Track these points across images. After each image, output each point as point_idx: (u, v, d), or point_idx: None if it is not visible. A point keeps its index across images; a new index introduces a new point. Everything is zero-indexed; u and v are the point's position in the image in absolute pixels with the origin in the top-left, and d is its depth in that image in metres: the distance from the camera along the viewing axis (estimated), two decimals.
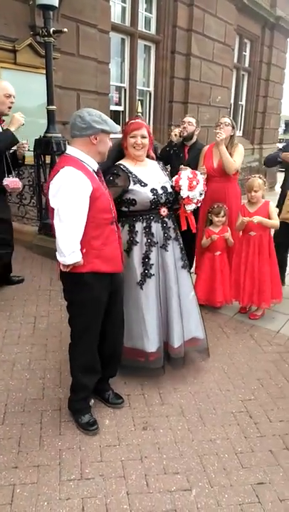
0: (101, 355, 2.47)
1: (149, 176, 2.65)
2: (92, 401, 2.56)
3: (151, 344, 2.69)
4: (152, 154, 2.78)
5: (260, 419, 2.54)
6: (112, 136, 2.26)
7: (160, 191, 2.63)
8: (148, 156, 2.73)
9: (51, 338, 3.30)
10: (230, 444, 2.35)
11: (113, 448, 2.29)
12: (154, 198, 2.60)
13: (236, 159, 3.78)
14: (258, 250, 3.60)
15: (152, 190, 2.60)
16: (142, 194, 2.58)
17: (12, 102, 3.63)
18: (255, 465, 2.22)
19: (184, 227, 2.87)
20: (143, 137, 2.60)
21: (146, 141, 2.62)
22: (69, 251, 2.06)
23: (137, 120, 2.67)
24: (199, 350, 3.01)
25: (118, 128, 2.26)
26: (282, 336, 3.50)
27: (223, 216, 3.70)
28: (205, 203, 3.81)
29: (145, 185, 2.59)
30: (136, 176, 2.60)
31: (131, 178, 2.59)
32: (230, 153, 3.76)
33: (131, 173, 2.60)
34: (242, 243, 3.69)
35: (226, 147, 3.77)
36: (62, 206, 2.06)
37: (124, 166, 2.62)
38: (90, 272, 2.18)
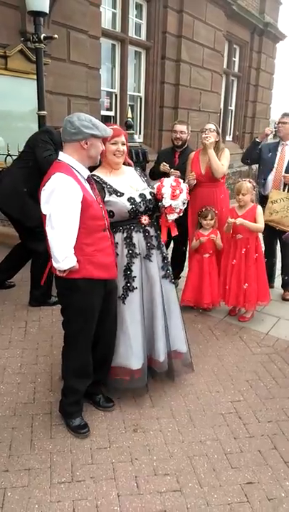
0: (93, 359, 2.49)
1: (124, 185, 2.54)
2: None
3: (137, 361, 2.58)
4: (129, 161, 2.69)
5: (249, 420, 2.58)
6: None
7: (138, 199, 2.51)
8: (124, 163, 2.63)
9: (42, 342, 3.31)
10: (219, 444, 2.38)
11: (104, 450, 2.31)
12: (132, 208, 2.48)
13: (224, 163, 3.83)
14: (245, 253, 3.65)
15: (130, 199, 2.48)
16: (118, 204, 2.46)
17: None
18: (244, 465, 2.25)
19: (165, 239, 2.73)
20: (122, 144, 2.51)
21: (125, 148, 2.53)
22: (62, 256, 2.08)
23: (115, 126, 2.55)
24: (183, 364, 2.88)
25: (110, 132, 2.27)
26: (271, 338, 3.55)
27: (211, 219, 3.75)
28: (194, 207, 3.88)
29: (121, 194, 2.48)
30: (111, 186, 2.49)
31: (106, 189, 2.47)
32: (218, 158, 3.81)
33: (105, 183, 2.49)
34: (230, 245, 3.75)
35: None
36: (54, 212, 2.07)
37: (98, 177, 2.50)
38: (83, 278, 2.19)
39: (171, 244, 4.45)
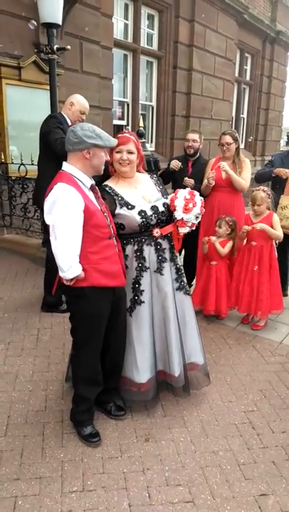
0: (103, 367, 2.48)
1: (137, 196, 2.47)
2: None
3: (141, 375, 2.54)
4: (142, 171, 2.63)
5: (263, 431, 2.53)
6: None
7: (149, 212, 2.44)
8: (138, 171, 2.57)
9: (54, 349, 3.32)
10: (232, 455, 2.34)
11: (115, 460, 2.29)
12: (142, 222, 2.41)
13: (246, 176, 3.81)
14: (259, 260, 3.62)
15: (140, 212, 2.41)
16: (129, 218, 2.40)
17: (83, 119, 3.74)
18: (258, 476, 2.21)
19: (178, 250, 2.65)
20: (130, 153, 2.42)
21: (133, 156, 2.44)
22: (67, 266, 2.08)
23: (124, 134, 2.48)
24: (199, 376, 2.82)
25: (114, 142, 2.24)
26: (285, 347, 3.50)
27: (219, 228, 3.73)
28: (210, 212, 3.86)
29: (132, 207, 2.41)
30: (122, 198, 2.42)
31: (117, 201, 2.41)
32: (239, 169, 3.79)
33: (117, 195, 2.43)
34: (244, 252, 3.73)
35: (233, 161, 3.82)
36: (56, 222, 2.09)
37: (110, 188, 2.45)
38: (90, 286, 2.19)
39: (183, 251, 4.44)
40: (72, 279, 2.13)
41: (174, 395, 2.77)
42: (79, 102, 3.72)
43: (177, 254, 2.68)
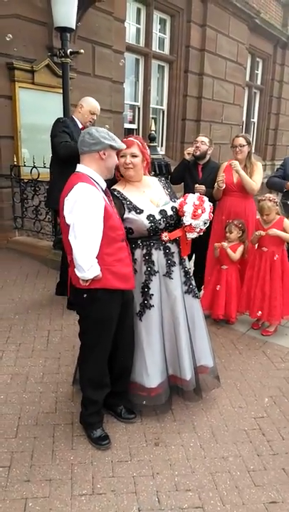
0: (112, 370, 2.49)
1: (145, 200, 2.47)
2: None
3: (151, 380, 2.53)
4: (147, 174, 2.62)
5: (273, 437, 2.52)
6: None
7: (158, 216, 2.43)
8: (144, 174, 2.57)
9: (64, 351, 3.33)
10: (242, 461, 2.33)
11: (125, 463, 2.29)
12: (151, 226, 2.42)
13: (257, 179, 3.81)
14: (270, 266, 3.61)
15: (149, 216, 2.41)
16: (137, 222, 2.40)
17: (94, 119, 3.86)
18: (268, 483, 2.19)
19: (185, 254, 2.62)
20: (133, 156, 2.42)
21: (137, 160, 2.43)
22: (88, 265, 2.09)
23: (129, 138, 2.48)
24: (209, 379, 2.82)
25: (124, 146, 2.33)
26: None
27: (230, 233, 3.73)
28: (221, 216, 3.87)
29: (141, 211, 2.41)
30: (130, 203, 2.43)
31: (126, 206, 2.41)
32: (250, 173, 3.79)
33: (125, 199, 2.43)
34: (255, 257, 3.72)
35: (245, 165, 3.82)
36: (78, 221, 2.09)
37: (119, 192, 2.45)
38: (102, 288, 2.20)
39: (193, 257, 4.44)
40: (88, 280, 2.14)
41: (184, 399, 2.77)
42: (88, 103, 3.78)
43: (185, 257, 2.67)
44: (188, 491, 2.13)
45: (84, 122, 3.83)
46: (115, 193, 2.45)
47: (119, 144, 2.25)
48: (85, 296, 2.24)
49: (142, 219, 2.41)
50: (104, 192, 2.27)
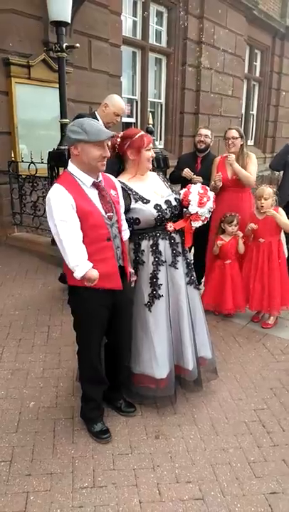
0: (108, 367, 2.50)
1: (150, 191, 2.51)
2: None
3: (161, 370, 2.54)
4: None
5: (273, 429, 2.53)
6: None
7: (164, 206, 2.48)
8: None
9: (64, 347, 3.34)
10: (242, 453, 2.34)
11: (125, 456, 2.30)
12: (158, 215, 2.45)
13: (251, 170, 3.79)
14: (268, 257, 3.61)
15: (156, 206, 2.45)
16: (145, 212, 2.43)
17: (117, 121, 3.72)
18: (268, 474, 2.20)
19: (189, 244, 2.67)
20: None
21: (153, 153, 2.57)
22: (72, 265, 2.07)
23: (145, 133, 2.57)
24: (208, 371, 2.84)
25: (104, 135, 2.10)
26: None
27: (236, 225, 3.72)
28: (219, 211, 3.84)
29: (147, 201, 2.45)
30: (136, 193, 2.46)
31: (132, 196, 2.44)
32: (244, 165, 3.77)
33: (131, 190, 2.46)
34: (252, 250, 3.72)
35: (238, 157, 3.80)
36: (52, 225, 2.09)
37: (123, 183, 2.46)
38: (83, 286, 2.14)
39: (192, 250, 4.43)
40: (85, 278, 2.10)
41: (185, 390, 2.77)
42: (114, 104, 3.57)
43: (187, 248, 2.69)
44: (188, 482, 2.15)
45: (106, 122, 3.60)
46: (120, 184, 2.44)
47: (91, 136, 2.05)
48: (69, 290, 2.28)
49: (150, 208, 2.44)
50: (97, 187, 2.19)
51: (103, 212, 2.18)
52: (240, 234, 3.73)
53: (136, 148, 2.48)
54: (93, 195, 2.19)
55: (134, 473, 2.19)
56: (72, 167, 2.18)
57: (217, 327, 3.74)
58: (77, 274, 2.08)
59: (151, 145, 2.51)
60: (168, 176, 4.31)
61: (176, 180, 4.06)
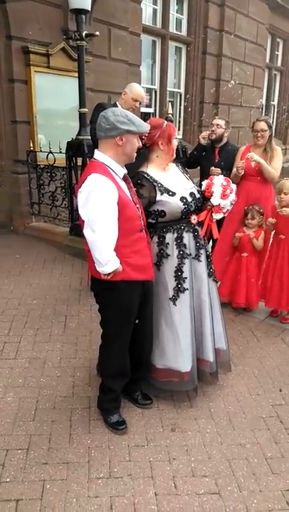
0: (131, 358, 2.47)
1: (174, 183, 2.45)
2: None
3: (186, 363, 2.52)
4: None
5: None
6: None
7: (189, 199, 2.44)
8: None
9: (81, 337, 3.35)
10: (259, 449, 2.32)
11: (141, 448, 2.29)
12: (185, 208, 2.40)
13: (276, 165, 3.70)
14: (288, 254, 3.52)
15: (182, 198, 2.40)
16: (171, 205, 2.38)
17: (136, 106, 3.79)
18: (286, 471, 2.17)
19: (216, 236, 2.69)
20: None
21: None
22: (105, 260, 2.04)
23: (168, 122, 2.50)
24: (221, 362, 2.80)
25: (146, 127, 2.15)
26: None
27: (252, 219, 3.65)
28: (238, 201, 3.77)
29: (173, 194, 2.39)
30: (162, 185, 2.38)
31: (157, 188, 2.37)
32: (270, 158, 3.68)
33: (156, 181, 2.38)
34: (273, 246, 3.64)
35: (265, 149, 3.72)
36: (93, 216, 2.01)
37: (148, 175, 2.40)
38: (122, 280, 2.15)
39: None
40: (109, 274, 2.09)
41: (202, 383, 2.75)
42: (132, 90, 3.67)
43: (206, 240, 2.67)
44: (204, 476, 2.13)
45: (126, 109, 3.61)
46: (145, 175, 2.40)
47: (138, 127, 2.07)
48: (104, 286, 2.21)
49: (176, 201, 2.39)
50: (125, 179, 2.19)
51: (137, 204, 2.19)
52: (252, 234, 3.65)
53: (167, 137, 2.40)
54: (124, 186, 2.16)
55: (150, 466, 2.18)
56: (104, 157, 2.11)
57: (235, 321, 3.70)
58: (107, 269, 2.06)
59: (176, 133, 2.47)
60: (187, 161, 4.30)
61: (195, 159, 4.11)
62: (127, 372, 2.45)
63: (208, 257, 2.64)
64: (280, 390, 2.75)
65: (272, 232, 3.66)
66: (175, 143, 2.46)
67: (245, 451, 2.29)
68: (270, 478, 2.14)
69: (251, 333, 3.53)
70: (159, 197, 2.37)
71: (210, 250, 2.74)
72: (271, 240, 3.71)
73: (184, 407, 2.61)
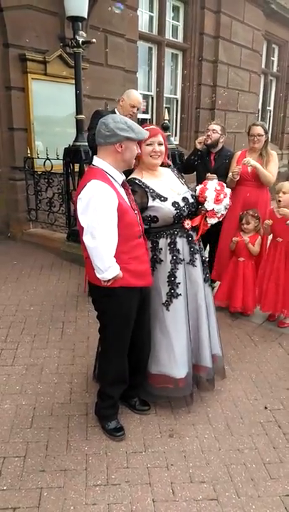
0: (129, 364, 2.47)
1: (166, 188, 2.44)
2: None
3: (180, 370, 2.51)
4: (168, 161, 2.62)
5: None
6: None
7: (182, 204, 2.43)
8: (162, 164, 2.53)
9: (78, 343, 3.34)
10: (258, 454, 2.31)
11: (139, 454, 2.28)
12: (177, 213, 2.40)
13: (272, 169, 3.73)
14: (285, 257, 3.53)
15: (174, 203, 2.39)
16: (163, 210, 2.37)
17: (134, 112, 3.80)
18: (284, 476, 2.17)
19: (197, 239, 2.61)
20: (160, 144, 2.41)
21: (162, 148, 2.43)
22: (106, 267, 2.04)
23: (152, 126, 2.47)
24: (217, 368, 2.79)
25: (146, 134, 2.18)
26: None
27: (248, 224, 3.66)
28: (234, 206, 3.79)
29: (165, 199, 2.38)
30: (154, 191, 2.39)
31: (148, 194, 2.37)
32: (266, 162, 3.71)
33: (148, 187, 2.39)
34: (270, 249, 3.65)
35: (261, 154, 3.75)
36: (93, 223, 2.02)
37: (140, 181, 2.40)
38: (121, 286, 2.15)
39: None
40: (109, 280, 2.09)
41: (199, 389, 2.75)
42: (129, 96, 3.70)
43: (202, 245, 2.67)
44: (202, 482, 2.12)
45: (124, 115, 3.61)
46: (136, 181, 2.40)
47: (138, 134, 2.09)
48: (102, 293, 2.21)
49: (168, 206, 2.38)
50: (123, 185, 2.20)
51: (134, 210, 2.20)
52: (247, 240, 3.66)
53: (138, 143, 2.31)
54: (123, 193, 2.17)
55: (148, 472, 2.17)
56: (103, 164, 2.12)
57: (232, 325, 3.70)
58: (107, 276, 2.06)
59: (154, 139, 2.38)
60: (183, 166, 4.31)
61: (191, 164, 4.12)
62: (125, 378, 2.44)
63: (204, 262, 2.63)
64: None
65: (270, 236, 3.67)
66: (146, 149, 2.39)
67: (244, 457, 2.29)
68: (269, 483, 2.13)
69: (249, 337, 3.53)
70: (151, 202, 2.37)
71: (206, 255, 2.71)
72: (269, 243, 3.72)
73: (181, 413, 2.61)
